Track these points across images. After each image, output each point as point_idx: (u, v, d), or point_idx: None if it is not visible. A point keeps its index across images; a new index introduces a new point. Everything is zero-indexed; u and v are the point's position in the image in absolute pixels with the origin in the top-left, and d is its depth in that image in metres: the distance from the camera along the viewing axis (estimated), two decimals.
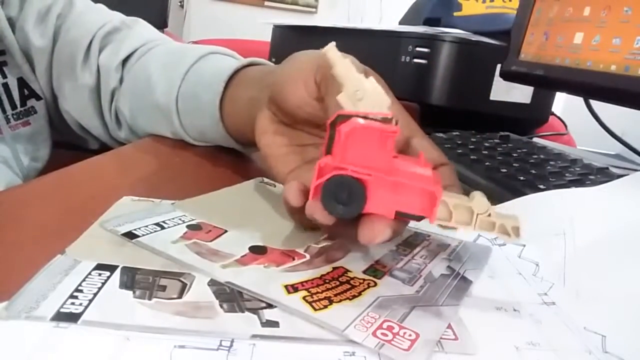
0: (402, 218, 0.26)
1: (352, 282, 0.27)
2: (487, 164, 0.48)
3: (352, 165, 0.25)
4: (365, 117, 0.25)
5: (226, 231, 0.31)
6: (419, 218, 0.26)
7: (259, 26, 1.18)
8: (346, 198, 0.26)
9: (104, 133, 0.59)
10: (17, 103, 0.58)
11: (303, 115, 0.35)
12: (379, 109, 0.26)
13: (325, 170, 0.26)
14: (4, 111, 0.56)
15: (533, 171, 0.45)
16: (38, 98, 0.60)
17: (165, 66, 0.51)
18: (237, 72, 0.46)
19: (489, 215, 0.26)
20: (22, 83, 0.58)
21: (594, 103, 0.64)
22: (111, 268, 0.25)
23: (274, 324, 0.23)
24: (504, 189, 0.42)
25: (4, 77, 0.57)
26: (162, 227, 0.30)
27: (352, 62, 0.29)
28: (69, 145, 0.65)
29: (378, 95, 0.26)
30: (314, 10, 3.78)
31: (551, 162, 0.49)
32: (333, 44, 0.27)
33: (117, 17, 0.59)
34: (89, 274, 0.24)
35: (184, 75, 0.49)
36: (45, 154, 0.62)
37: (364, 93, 0.26)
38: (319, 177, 0.26)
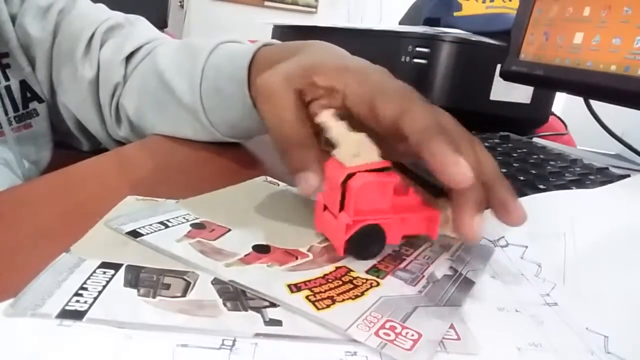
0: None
1: (354, 281, 0.27)
2: None
3: (366, 214, 0.29)
4: (367, 171, 0.29)
5: (230, 230, 0.31)
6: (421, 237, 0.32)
7: (259, 26, 1.17)
8: (372, 241, 0.30)
9: (101, 129, 0.59)
10: (19, 105, 0.58)
11: None
12: (374, 159, 0.30)
13: (351, 226, 0.29)
14: (6, 113, 0.56)
15: (533, 171, 0.45)
16: (40, 100, 0.60)
17: (178, 64, 0.51)
18: (253, 56, 0.45)
19: None
20: (24, 85, 0.58)
21: (594, 103, 0.64)
22: (116, 266, 0.25)
23: (277, 322, 0.23)
24: None
25: (7, 79, 0.57)
26: (166, 226, 0.30)
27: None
28: (69, 145, 0.66)
29: (370, 148, 0.29)
30: (314, 10, 3.77)
31: (551, 162, 0.49)
32: (330, 112, 0.30)
33: (119, 14, 0.60)
34: (94, 272, 0.25)
35: (201, 72, 0.48)
36: (47, 156, 0.62)
37: (359, 150, 0.29)
38: (347, 233, 0.29)
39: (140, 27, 0.59)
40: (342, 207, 0.30)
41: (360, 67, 0.34)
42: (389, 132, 0.30)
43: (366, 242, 0.30)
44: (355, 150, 0.29)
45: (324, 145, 0.32)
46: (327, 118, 0.30)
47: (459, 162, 0.26)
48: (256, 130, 0.49)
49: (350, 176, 0.29)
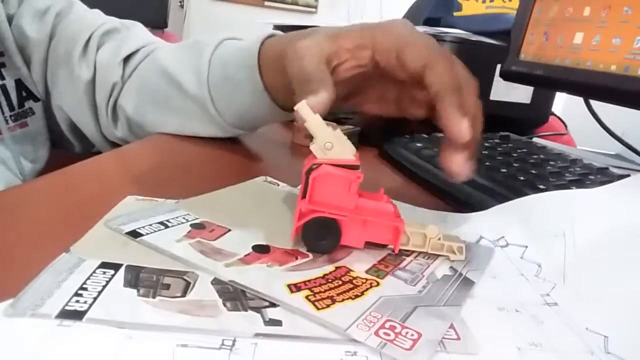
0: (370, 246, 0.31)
1: (354, 281, 0.27)
2: (487, 164, 0.48)
3: (325, 207, 0.30)
4: (334, 165, 0.30)
5: (230, 230, 0.31)
6: (384, 246, 0.31)
7: (259, 26, 1.17)
8: (324, 235, 0.30)
9: (95, 131, 0.59)
10: (15, 105, 0.58)
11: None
12: (346, 156, 0.30)
13: (304, 213, 0.30)
14: (2, 113, 0.56)
15: (533, 171, 0.45)
16: (36, 99, 0.60)
17: (183, 60, 0.51)
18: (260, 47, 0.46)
19: (439, 239, 0.31)
20: (20, 85, 0.58)
21: (594, 103, 0.64)
22: (115, 266, 0.25)
23: (276, 322, 0.23)
24: (504, 189, 0.42)
25: (2, 78, 0.57)
26: (166, 226, 0.30)
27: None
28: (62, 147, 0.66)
29: (344, 145, 0.30)
30: (314, 10, 3.78)
31: (551, 162, 0.49)
32: (304, 102, 0.31)
33: (115, 19, 0.60)
34: (94, 272, 0.25)
35: (208, 65, 0.49)
36: (44, 155, 0.62)
37: (332, 144, 0.30)
38: (300, 220, 0.30)
39: (136, 32, 0.60)
40: (304, 195, 0.30)
41: (384, 23, 0.36)
42: (412, 80, 0.34)
43: (318, 233, 0.30)
44: (328, 144, 0.30)
45: (304, 138, 0.32)
46: (303, 110, 0.30)
47: (461, 123, 0.31)
48: (263, 118, 0.49)
49: (316, 167, 0.30)
